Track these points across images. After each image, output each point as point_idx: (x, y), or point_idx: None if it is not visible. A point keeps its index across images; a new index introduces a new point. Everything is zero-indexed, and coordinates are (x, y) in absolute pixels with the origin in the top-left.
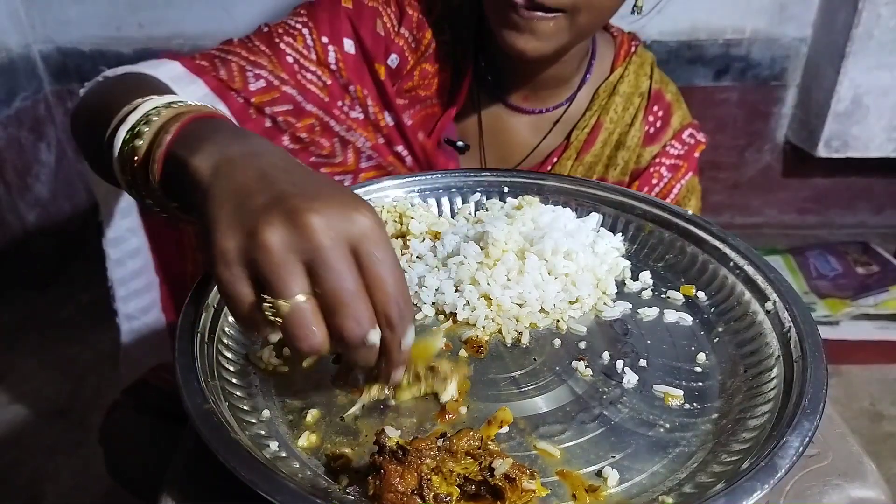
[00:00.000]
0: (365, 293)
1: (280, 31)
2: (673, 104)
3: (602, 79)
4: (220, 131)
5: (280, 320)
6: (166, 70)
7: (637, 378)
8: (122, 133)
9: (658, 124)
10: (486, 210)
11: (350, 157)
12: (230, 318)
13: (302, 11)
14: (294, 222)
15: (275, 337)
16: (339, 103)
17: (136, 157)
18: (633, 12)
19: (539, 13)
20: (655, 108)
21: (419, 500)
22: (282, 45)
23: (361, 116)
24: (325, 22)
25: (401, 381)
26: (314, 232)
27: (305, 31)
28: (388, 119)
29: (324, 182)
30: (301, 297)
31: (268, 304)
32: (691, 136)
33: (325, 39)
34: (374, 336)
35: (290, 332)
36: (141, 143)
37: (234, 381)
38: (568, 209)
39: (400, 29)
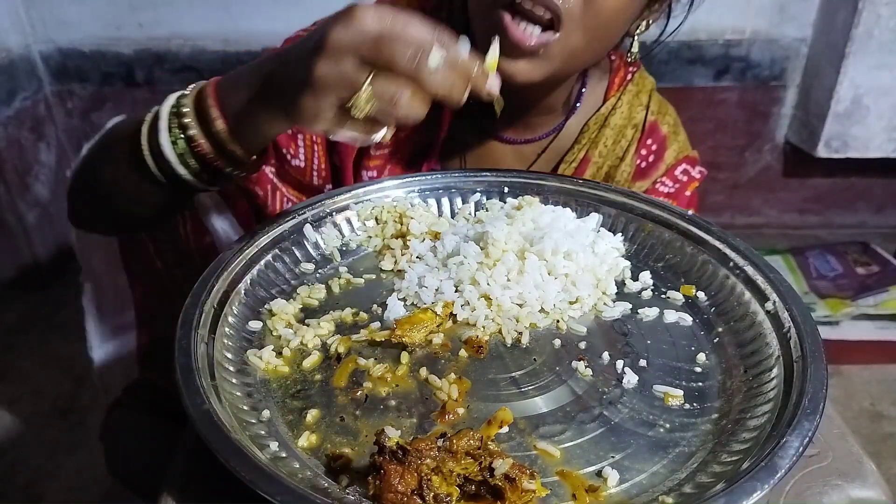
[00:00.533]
0: (410, 28)
1: None
2: (668, 137)
3: (593, 109)
4: (240, 71)
5: (374, 107)
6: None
7: (637, 378)
8: (163, 125)
9: (651, 159)
10: (486, 210)
11: (278, 204)
12: (230, 319)
13: None
14: (325, 48)
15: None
16: (284, 151)
17: (191, 135)
18: (627, 57)
19: (532, 33)
20: (649, 142)
21: (419, 500)
22: None
23: (303, 164)
24: None
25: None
26: (338, 40)
27: None
28: (334, 160)
29: (321, 27)
30: (367, 83)
31: (358, 103)
32: (685, 172)
33: None
34: (436, 56)
35: (385, 104)
36: (188, 120)
37: (233, 381)
38: (568, 209)
39: None
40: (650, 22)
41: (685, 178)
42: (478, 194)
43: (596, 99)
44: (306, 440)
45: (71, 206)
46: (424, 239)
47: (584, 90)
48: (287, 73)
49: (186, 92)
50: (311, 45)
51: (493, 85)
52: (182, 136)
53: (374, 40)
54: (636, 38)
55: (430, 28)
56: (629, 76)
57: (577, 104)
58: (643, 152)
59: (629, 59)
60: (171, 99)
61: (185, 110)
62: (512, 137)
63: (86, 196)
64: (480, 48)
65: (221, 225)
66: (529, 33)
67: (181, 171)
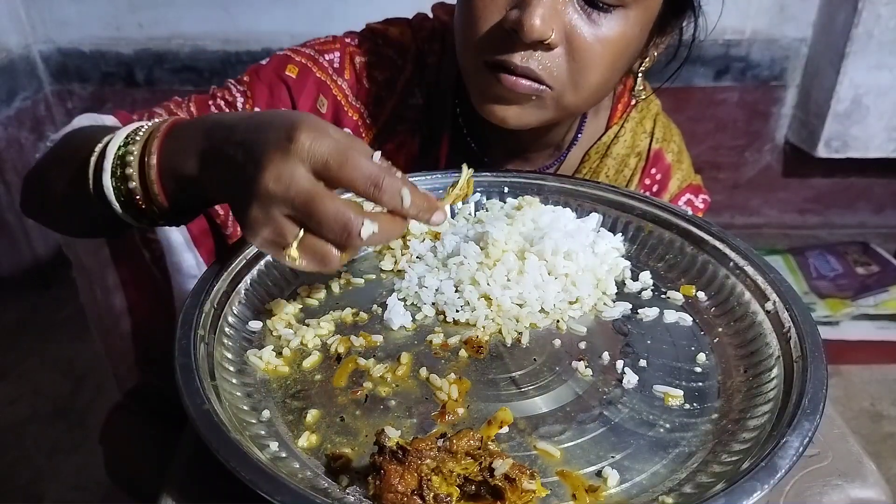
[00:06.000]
0: (337, 201)
1: (219, 94)
2: (673, 166)
3: (594, 138)
4: (189, 134)
5: (303, 262)
6: (108, 120)
7: (637, 378)
8: (108, 165)
9: (654, 189)
10: (486, 210)
11: (238, 231)
12: (230, 319)
13: (245, 79)
14: (256, 192)
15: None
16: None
17: (130, 181)
18: (632, 98)
19: (522, 80)
20: (653, 171)
21: (419, 501)
22: (212, 108)
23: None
24: (264, 91)
25: (444, 218)
26: (269, 190)
27: (241, 99)
28: None
29: (262, 140)
30: (296, 241)
31: (289, 254)
32: (688, 202)
33: (256, 111)
34: (368, 230)
35: (314, 262)
36: (131, 171)
37: (233, 381)
38: (568, 209)
39: (355, 102)
40: (655, 55)
41: (688, 210)
42: (478, 194)
43: (598, 127)
44: (306, 440)
45: (24, 198)
46: (424, 239)
47: (584, 121)
48: (234, 174)
49: (142, 129)
50: (255, 160)
51: (437, 220)
52: (123, 187)
53: (306, 202)
54: (640, 75)
55: (371, 171)
56: (633, 101)
57: (578, 135)
58: (647, 182)
59: (634, 99)
60: (120, 138)
61: (129, 159)
62: (511, 170)
63: (38, 200)
64: (470, 90)
65: (188, 262)
66: (519, 80)
67: (122, 215)
